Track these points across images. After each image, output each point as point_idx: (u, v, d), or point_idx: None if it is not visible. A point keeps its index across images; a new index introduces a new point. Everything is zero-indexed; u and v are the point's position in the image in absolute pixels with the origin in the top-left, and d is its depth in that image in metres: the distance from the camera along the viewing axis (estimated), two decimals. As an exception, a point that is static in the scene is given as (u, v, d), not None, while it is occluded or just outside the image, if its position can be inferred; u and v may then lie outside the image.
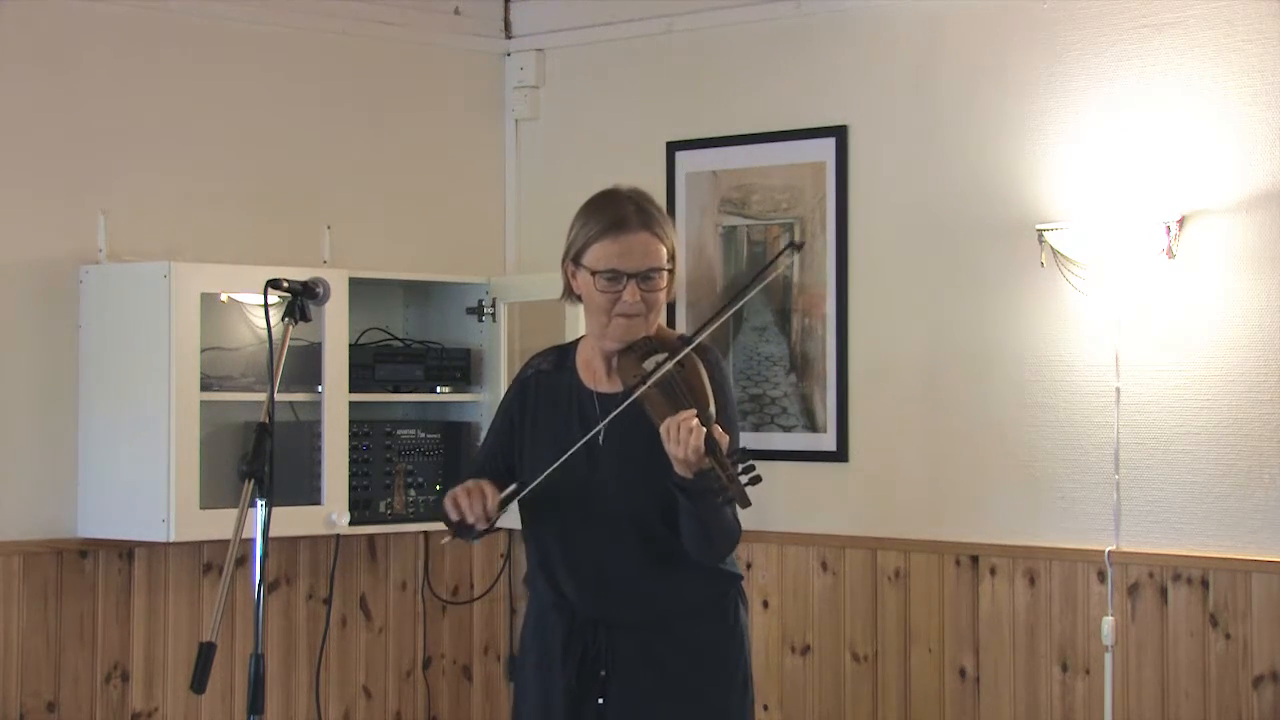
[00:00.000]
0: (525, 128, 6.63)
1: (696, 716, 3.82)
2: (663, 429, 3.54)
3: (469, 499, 3.72)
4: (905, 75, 5.79)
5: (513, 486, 3.80)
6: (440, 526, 3.85)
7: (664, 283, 3.76)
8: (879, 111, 5.83)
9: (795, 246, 3.83)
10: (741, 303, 3.82)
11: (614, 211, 3.75)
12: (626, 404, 3.67)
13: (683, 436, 3.50)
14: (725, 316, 3.82)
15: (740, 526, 3.74)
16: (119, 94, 5.72)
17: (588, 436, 3.73)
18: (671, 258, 3.79)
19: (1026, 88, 5.51)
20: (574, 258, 3.79)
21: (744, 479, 3.47)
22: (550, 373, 3.91)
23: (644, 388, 3.63)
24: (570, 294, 3.84)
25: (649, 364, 3.67)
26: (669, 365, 3.64)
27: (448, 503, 3.76)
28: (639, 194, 3.81)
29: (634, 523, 3.75)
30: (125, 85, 5.73)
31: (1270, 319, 5.10)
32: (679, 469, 3.56)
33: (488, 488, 3.73)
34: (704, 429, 3.50)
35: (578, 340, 3.95)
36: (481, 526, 3.72)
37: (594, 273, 3.74)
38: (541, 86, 6.58)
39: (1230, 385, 5.16)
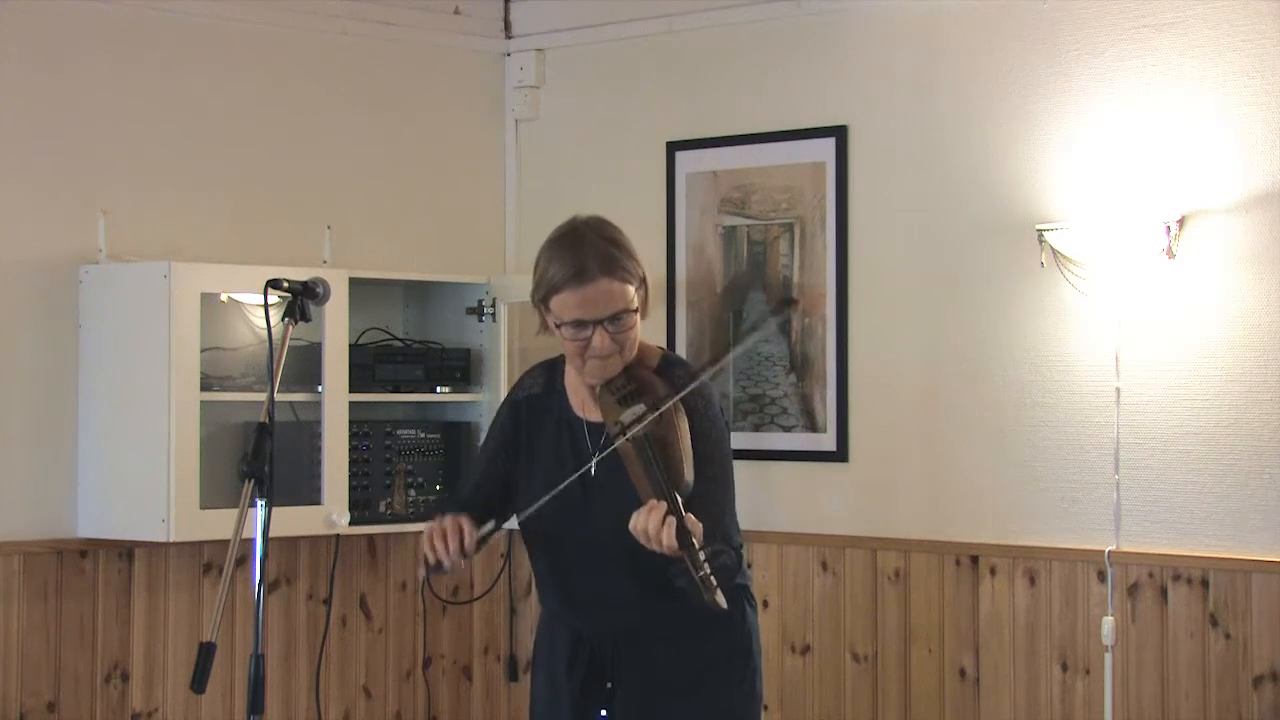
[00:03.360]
0: (525, 128, 6.63)
1: None
2: (631, 525, 3.46)
3: (443, 540, 3.67)
4: (905, 75, 5.78)
5: (490, 524, 3.77)
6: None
7: (633, 321, 3.69)
8: (879, 111, 5.83)
9: (790, 302, 3.76)
10: (726, 360, 3.72)
11: (574, 260, 3.66)
12: (607, 452, 3.64)
13: (652, 535, 3.42)
14: (708, 375, 3.73)
15: (739, 559, 3.71)
16: (119, 94, 5.71)
17: (576, 474, 3.68)
18: (642, 284, 3.72)
19: (1026, 88, 5.51)
20: (542, 300, 3.73)
21: (715, 579, 3.34)
22: (541, 397, 3.86)
23: (620, 441, 3.57)
24: (546, 329, 3.77)
25: (626, 416, 3.60)
26: (647, 422, 3.56)
27: (424, 541, 3.71)
28: (599, 231, 3.72)
29: (628, 553, 3.62)
30: (125, 85, 5.73)
31: (1270, 319, 5.10)
32: None
33: (466, 525, 3.69)
34: (673, 523, 3.39)
35: (564, 357, 3.87)
36: (459, 568, 3.70)
37: (559, 324, 3.69)
38: (541, 86, 6.58)
39: (1230, 385, 5.15)
